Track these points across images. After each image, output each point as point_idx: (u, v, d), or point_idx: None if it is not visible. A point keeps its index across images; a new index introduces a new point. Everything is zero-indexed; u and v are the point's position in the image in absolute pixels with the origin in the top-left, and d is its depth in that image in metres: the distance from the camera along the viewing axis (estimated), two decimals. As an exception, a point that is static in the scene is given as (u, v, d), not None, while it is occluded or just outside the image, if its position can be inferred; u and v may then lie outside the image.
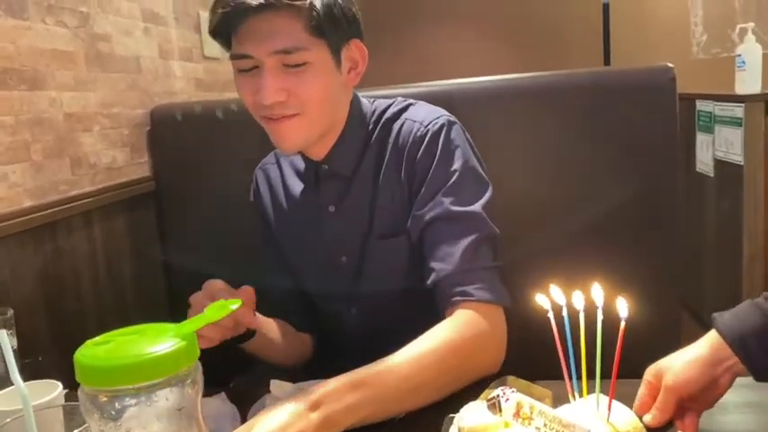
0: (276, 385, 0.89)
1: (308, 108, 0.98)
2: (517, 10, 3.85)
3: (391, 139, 1.07)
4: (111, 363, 0.52)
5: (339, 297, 1.14)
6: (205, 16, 1.93)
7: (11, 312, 0.91)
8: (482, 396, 0.71)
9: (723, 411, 0.84)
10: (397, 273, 1.07)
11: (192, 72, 1.85)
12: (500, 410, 0.69)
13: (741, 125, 2.49)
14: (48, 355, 1.12)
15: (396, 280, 1.07)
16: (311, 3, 0.95)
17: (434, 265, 0.99)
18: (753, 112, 2.46)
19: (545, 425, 0.64)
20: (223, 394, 0.92)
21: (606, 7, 3.78)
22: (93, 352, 0.53)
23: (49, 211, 1.18)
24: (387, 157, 1.06)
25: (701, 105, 2.86)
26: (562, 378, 0.74)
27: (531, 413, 0.65)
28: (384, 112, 1.10)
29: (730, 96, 2.59)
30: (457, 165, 1.02)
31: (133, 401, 0.53)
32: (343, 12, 0.99)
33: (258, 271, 1.37)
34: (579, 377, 0.70)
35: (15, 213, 1.11)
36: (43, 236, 1.17)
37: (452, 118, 1.07)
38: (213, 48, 1.99)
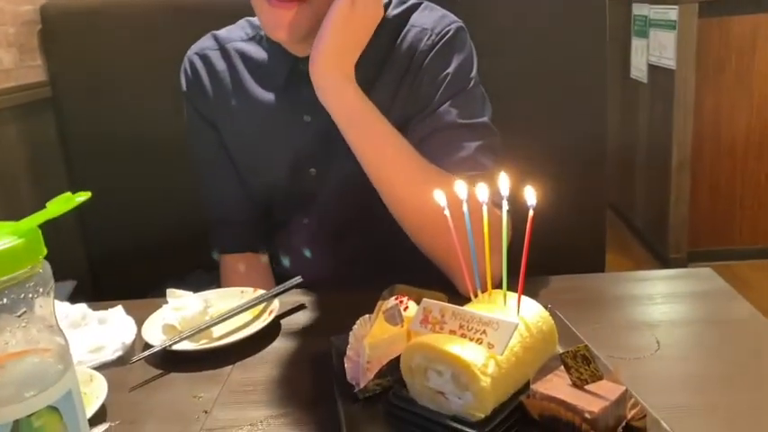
0: (173, 294, 0.83)
1: None
2: None
3: (395, 46, 0.94)
4: (-68, 264, 0.44)
5: (294, 207, 1.04)
6: None
7: None
8: (377, 308, 0.66)
9: (656, 301, 0.83)
10: (360, 186, 0.92)
11: (91, -33, 1.67)
12: (401, 320, 0.64)
13: (675, 28, 2.46)
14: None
15: (355, 192, 0.95)
16: None
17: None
18: (686, 15, 2.44)
19: (461, 326, 0.59)
20: (120, 307, 0.86)
21: None
22: None
23: None
24: (386, 64, 0.94)
25: (637, 9, 2.82)
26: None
27: (443, 317, 0.61)
28: (384, 12, 0.94)
29: (665, -1, 2.56)
30: (466, 75, 0.93)
31: (-33, 309, 0.46)
32: None
33: (174, 177, 1.28)
34: (480, 275, 0.65)
35: None
36: None
37: (461, 23, 0.96)
38: (115, -59, 1.80)
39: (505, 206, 0.62)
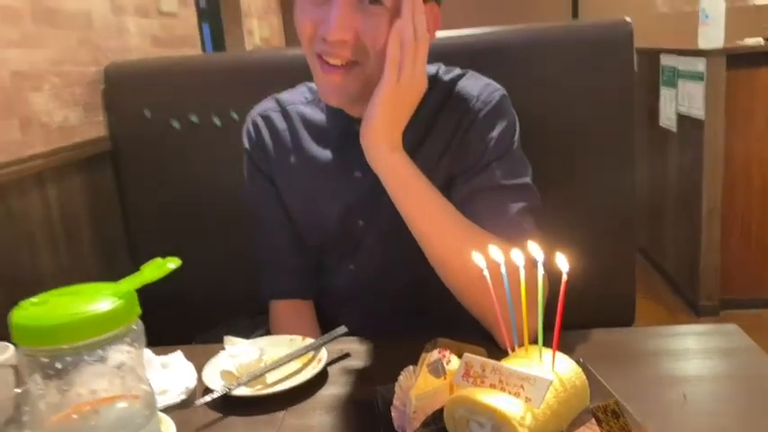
0: (230, 341, 0.90)
1: (370, 57, 0.91)
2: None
3: (443, 111, 1.02)
4: (48, 322, 0.52)
5: (341, 255, 1.11)
6: (160, -31, 1.87)
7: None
8: (421, 361, 0.72)
9: (685, 356, 0.88)
10: (404, 236, 0.97)
11: (148, 28, 1.80)
12: (444, 373, 0.70)
13: (703, 79, 2.51)
14: (2, 318, 1.11)
15: (399, 242, 1.00)
16: None
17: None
18: (715, 67, 2.48)
19: (501, 381, 0.64)
20: (179, 352, 0.93)
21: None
22: (30, 312, 0.53)
23: (-1, 172, 1.16)
24: (434, 127, 1.01)
25: (665, 60, 2.88)
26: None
27: (484, 371, 0.66)
28: (435, 78, 1.04)
29: (693, 51, 2.61)
30: (510, 139, 1.00)
31: (73, 360, 0.53)
32: None
33: (224, 228, 1.36)
34: (518, 331, 0.71)
35: (-38, 175, 1.09)
36: (-7, 197, 1.15)
37: (504, 91, 1.03)
38: (170, 2, 1.94)
39: (541, 271, 0.68)
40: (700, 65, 2.53)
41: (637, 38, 1.38)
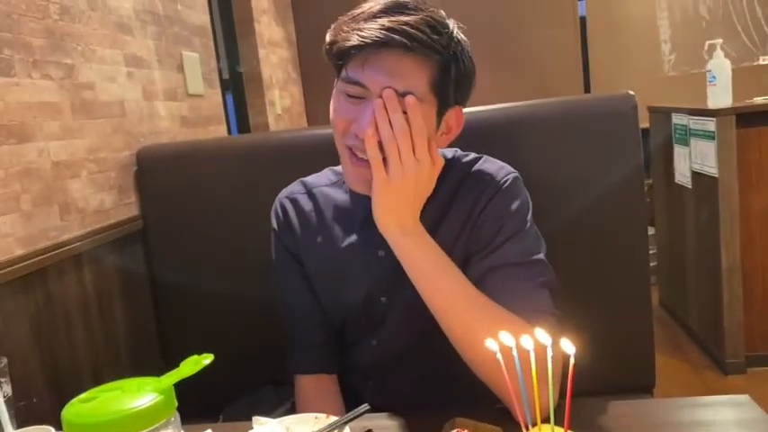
0: (257, 422, 0.94)
1: None
2: (501, 44, 3.96)
3: (458, 192, 1.07)
4: (96, 419, 0.57)
5: (364, 331, 1.15)
6: (188, 55, 1.99)
7: (5, 361, 0.95)
8: None
9: (720, 428, 0.90)
10: (424, 313, 1.00)
11: (177, 110, 1.91)
12: None
13: (714, 138, 2.56)
14: (42, 398, 1.17)
15: (420, 318, 1.03)
16: (447, 59, 0.95)
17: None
18: (724, 126, 2.53)
19: None
20: (210, 431, 0.97)
21: (584, 38, 3.91)
22: (79, 409, 0.58)
23: (40, 257, 1.23)
24: (451, 208, 1.07)
25: (677, 119, 2.93)
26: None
27: (495, 452, 0.70)
28: (453, 160, 1.10)
29: (703, 110, 2.66)
30: (523, 218, 1.05)
31: (118, 452, 0.58)
32: (468, 79, 1.01)
33: (250, 303, 1.42)
34: (531, 409, 0.74)
35: (6, 263, 1.16)
36: (34, 282, 1.22)
37: (516, 173, 1.09)
38: (196, 85, 2.05)
39: (550, 353, 0.72)
40: (710, 124, 2.58)
41: (649, 98, 1.44)
